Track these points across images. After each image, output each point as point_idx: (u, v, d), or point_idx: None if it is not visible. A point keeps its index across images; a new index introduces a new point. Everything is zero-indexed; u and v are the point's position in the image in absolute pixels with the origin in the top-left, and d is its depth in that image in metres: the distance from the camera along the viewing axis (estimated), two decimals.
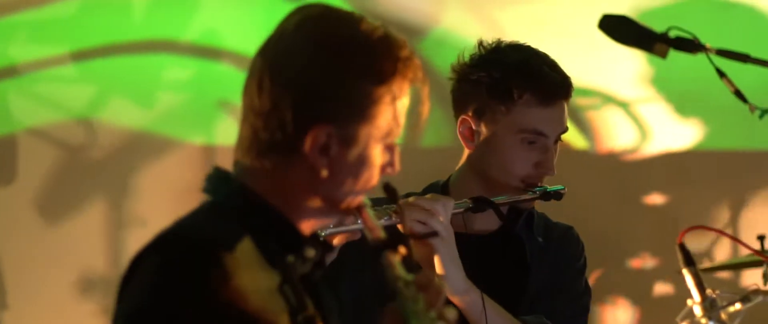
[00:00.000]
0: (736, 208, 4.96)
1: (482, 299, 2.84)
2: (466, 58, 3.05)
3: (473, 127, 3.02)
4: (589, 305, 3.09)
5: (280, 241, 1.99)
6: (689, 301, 2.48)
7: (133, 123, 4.47)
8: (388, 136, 2.01)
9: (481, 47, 3.05)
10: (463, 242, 2.88)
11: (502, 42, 3.06)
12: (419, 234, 2.74)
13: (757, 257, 4.07)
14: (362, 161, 1.99)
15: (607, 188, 4.81)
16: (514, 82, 2.97)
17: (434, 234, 2.76)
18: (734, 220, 4.93)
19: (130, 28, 4.46)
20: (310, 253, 1.96)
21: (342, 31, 1.99)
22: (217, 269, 1.89)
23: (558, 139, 3.03)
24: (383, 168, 2.03)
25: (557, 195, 3.02)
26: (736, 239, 2.68)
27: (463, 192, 3.01)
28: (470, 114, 3.02)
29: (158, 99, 4.50)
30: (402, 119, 2.02)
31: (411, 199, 2.84)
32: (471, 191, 3.00)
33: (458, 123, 3.05)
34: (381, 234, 2.02)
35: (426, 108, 2.06)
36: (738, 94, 2.71)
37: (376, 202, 2.14)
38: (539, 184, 3.02)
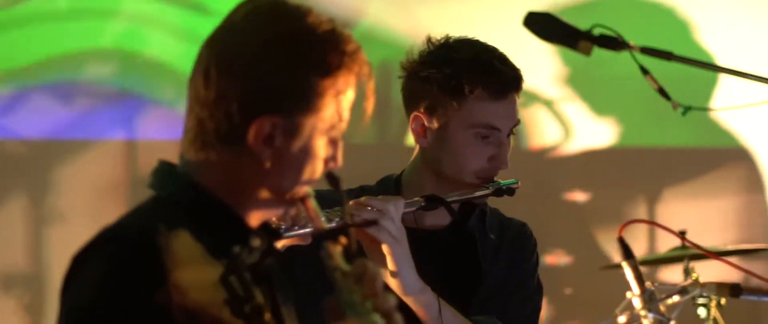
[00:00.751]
0: (652, 205, 5.03)
1: (437, 300, 2.83)
2: (415, 55, 3.02)
3: (425, 123, 2.99)
4: (541, 305, 3.09)
5: (227, 233, 1.99)
6: (628, 294, 2.51)
7: (54, 118, 4.43)
8: (333, 130, 2.02)
9: (429, 43, 3.02)
10: (414, 238, 2.86)
11: (450, 37, 3.03)
12: (357, 223, 2.72)
13: (677, 253, 4.16)
14: (306, 153, 2.00)
15: (525, 185, 4.84)
16: (465, 77, 2.94)
17: (374, 223, 2.75)
18: (651, 217, 5.00)
19: (53, 22, 4.42)
20: (256, 242, 1.96)
21: (289, 23, 1.99)
22: (159, 266, 1.89)
23: (511, 132, 3.02)
24: (326, 161, 2.04)
25: (510, 190, 3.01)
26: (678, 234, 2.72)
27: (416, 187, 3.00)
28: (422, 111, 2.99)
29: (79, 94, 4.46)
30: (346, 113, 2.03)
31: (362, 199, 2.82)
32: (424, 187, 2.99)
33: (410, 120, 3.02)
34: (323, 224, 2.05)
35: (371, 103, 2.06)
36: (661, 91, 2.73)
37: (322, 194, 2.14)
38: (493, 179, 3.01)
